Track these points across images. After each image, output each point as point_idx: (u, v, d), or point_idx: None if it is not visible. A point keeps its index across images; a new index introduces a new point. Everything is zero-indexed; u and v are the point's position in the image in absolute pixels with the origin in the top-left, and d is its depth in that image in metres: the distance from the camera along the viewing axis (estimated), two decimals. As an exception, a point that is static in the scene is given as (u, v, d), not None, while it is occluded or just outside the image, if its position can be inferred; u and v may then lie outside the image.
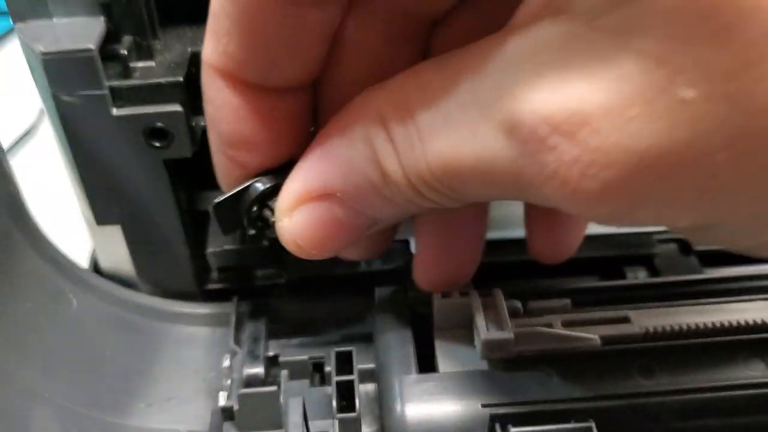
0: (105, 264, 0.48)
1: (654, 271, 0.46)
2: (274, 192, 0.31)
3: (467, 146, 0.24)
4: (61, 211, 0.49)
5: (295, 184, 0.29)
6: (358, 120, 0.27)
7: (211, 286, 0.47)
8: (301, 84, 0.30)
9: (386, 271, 0.46)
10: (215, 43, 0.28)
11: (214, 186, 0.45)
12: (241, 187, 0.32)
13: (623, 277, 0.46)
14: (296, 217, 0.29)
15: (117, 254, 0.47)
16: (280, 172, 0.31)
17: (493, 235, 0.45)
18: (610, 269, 0.46)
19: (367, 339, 0.42)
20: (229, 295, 0.47)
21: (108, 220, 0.44)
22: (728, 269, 0.45)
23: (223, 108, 0.30)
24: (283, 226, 0.30)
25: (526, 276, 0.44)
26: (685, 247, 0.47)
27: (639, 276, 0.46)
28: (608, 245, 0.46)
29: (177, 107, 0.39)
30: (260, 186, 0.32)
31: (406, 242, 0.47)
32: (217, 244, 0.46)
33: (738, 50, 0.19)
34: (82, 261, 0.48)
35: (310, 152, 0.29)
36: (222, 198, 0.33)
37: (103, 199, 0.43)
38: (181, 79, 0.39)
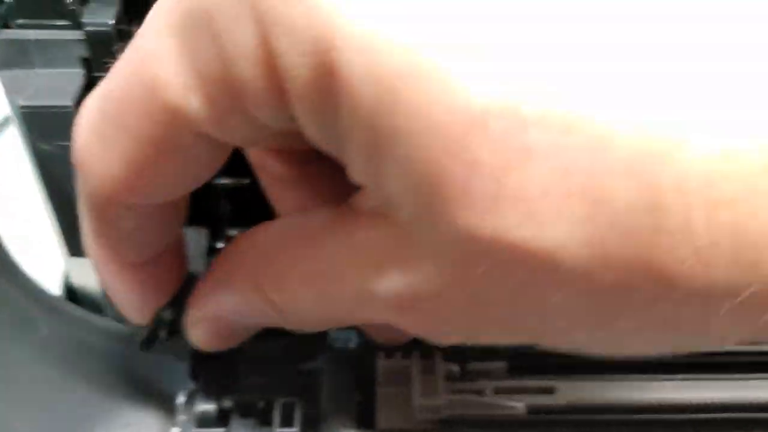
0: (78, 288, 0.51)
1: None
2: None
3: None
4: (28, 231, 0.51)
5: (193, 311, 0.35)
6: (238, 279, 0.32)
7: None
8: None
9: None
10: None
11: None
12: (152, 325, 0.38)
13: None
14: (196, 332, 0.36)
15: (90, 281, 0.49)
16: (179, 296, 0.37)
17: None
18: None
19: (316, 380, 0.45)
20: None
21: (81, 253, 0.46)
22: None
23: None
24: (190, 335, 0.36)
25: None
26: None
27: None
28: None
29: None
30: (167, 315, 0.37)
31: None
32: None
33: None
34: (53, 283, 0.51)
35: (203, 287, 0.35)
36: (144, 341, 0.39)
37: (77, 236, 0.45)
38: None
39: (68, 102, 0.39)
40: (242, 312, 0.33)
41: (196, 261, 0.49)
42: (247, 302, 0.32)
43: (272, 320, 0.32)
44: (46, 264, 0.52)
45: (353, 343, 0.47)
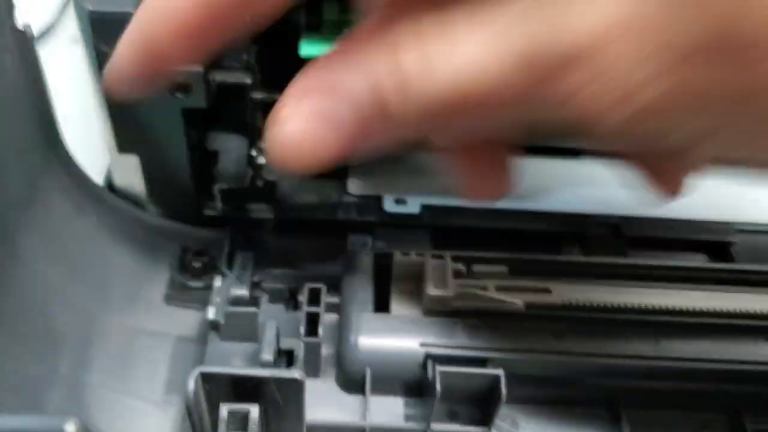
0: (119, 183, 0.56)
1: (587, 250, 0.54)
2: None
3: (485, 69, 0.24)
4: (81, 126, 0.55)
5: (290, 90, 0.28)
6: (368, 43, 0.26)
7: (210, 213, 0.55)
8: None
9: (360, 222, 0.53)
10: None
11: (222, 128, 0.53)
12: None
13: (558, 252, 0.54)
14: (286, 114, 0.27)
15: (131, 178, 0.54)
16: None
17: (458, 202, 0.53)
18: (548, 243, 0.54)
19: (337, 278, 0.50)
20: (225, 224, 0.54)
21: (127, 149, 0.52)
22: (652, 256, 0.53)
23: None
24: (274, 133, 0.28)
25: (479, 243, 0.51)
26: (617, 231, 0.54)
27: (572, 252, 0.54)
28: (550, 222, 0.54)
29: (198, 67, 0.46)
30: None
31: (379, 199, 0.54)
32: (224, 182, 0.53)
33: None
34: (97, 176, 0.55)
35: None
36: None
37: (126, 134, 0.51)
38: (203, 44, 0.46)
39: (130, 9, 0.44)
40: (358, 90, 0.26)
41: (239, 164, 0.55)
42: (371, 72, 0.25)
43: (390, 108, 0.26)
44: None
45: (370, 246, 0.52)
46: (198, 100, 0.48)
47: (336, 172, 0.56)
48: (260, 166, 0.56)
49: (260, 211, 0.55)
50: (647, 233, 0.54)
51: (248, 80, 0.50)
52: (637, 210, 0.53)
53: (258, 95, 0.53)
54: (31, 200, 0.46)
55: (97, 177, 0.55)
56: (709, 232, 0.54)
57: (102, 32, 0.45)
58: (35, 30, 0.44)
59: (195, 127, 0.52)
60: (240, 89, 0.51)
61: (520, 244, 0.52)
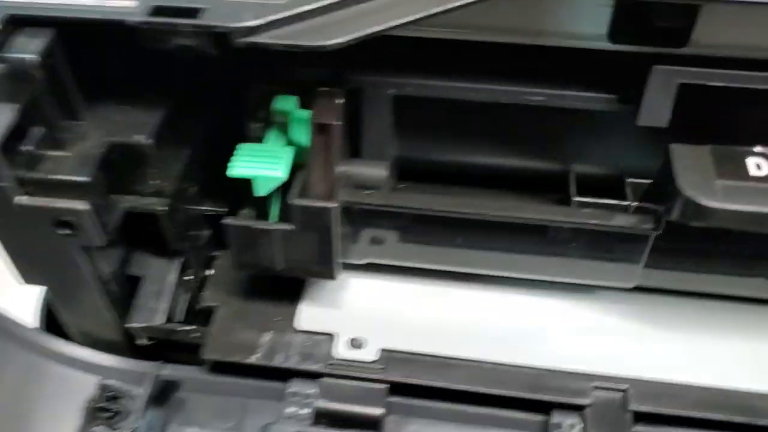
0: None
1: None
2: None
3: None
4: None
5: None
6: None
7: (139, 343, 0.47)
8: None
9: (301, 371, 0.44)
10: None
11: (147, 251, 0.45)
12: None
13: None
14: None
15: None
16: None
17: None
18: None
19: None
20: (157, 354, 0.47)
21: (33, 281, 0.44)
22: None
23: None
24: None
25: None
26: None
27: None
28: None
29: (83, 205, 0.38)
30: None
31: (333, 336, 0.45)
32: (141, 320, 0.45)
33: None
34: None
35: None
36: None
37: (26, 265, 0.43)
38: (87, 179, 0.38)
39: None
40: None
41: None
42: None
43: None
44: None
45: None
46: (91, 237, 0.40)
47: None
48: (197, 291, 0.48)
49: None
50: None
51: (162, 207, 0.42)
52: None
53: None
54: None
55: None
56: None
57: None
58: None
59: (107, 256, 0.43)
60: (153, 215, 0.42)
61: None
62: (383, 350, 0.45)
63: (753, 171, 0.38)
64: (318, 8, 0.35)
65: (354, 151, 0.47)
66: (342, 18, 0.35)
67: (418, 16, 0.36)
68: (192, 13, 0.35)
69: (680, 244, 0.43)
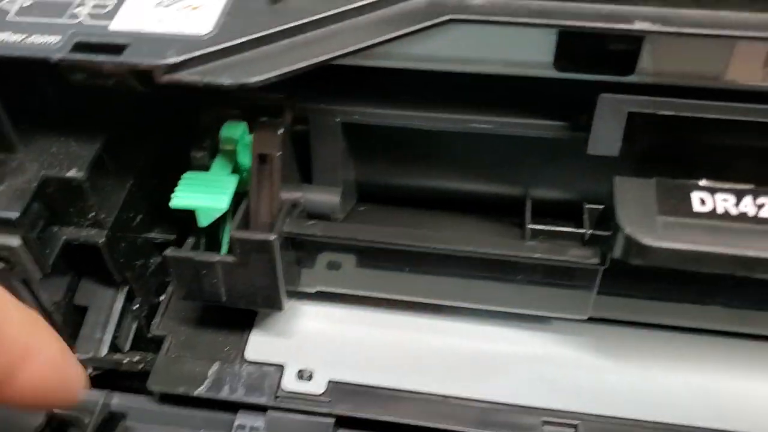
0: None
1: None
2: None
3: None
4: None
5: None
6: None
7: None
8: None
9: (248, 404, 0.43)
10: None
11: (98, 279, 0.45)
12: None
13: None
14: None
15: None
16: None
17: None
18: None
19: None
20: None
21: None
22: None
23: None
24: None
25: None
26: None
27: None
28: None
29: (15, 240, 0.38)
30: None
31: (281, 367, 0.44)
32: (86, 351, 0.45)
33: None
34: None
35: None
36: None
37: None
38: (16, 214, 0.37)
39: None
40: None
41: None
42: None
43: None
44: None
45: None
46: (28, 272, 0.39)
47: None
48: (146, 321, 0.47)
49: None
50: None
51: (101, 238, 0.41)
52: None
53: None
54: None
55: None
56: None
57: None
58: None
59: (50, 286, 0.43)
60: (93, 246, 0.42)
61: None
62: (331, 382, 0.44)
63: (697, 207, 0.37)
64: (241, 44, 0.34)
65: (308, 176, 0.46)
66: (266, 53, 0.35)
67: (345, 50, 0.35)
68: (115, 49, 0.34)
69: (633, 274, 0.42)
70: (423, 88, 0.43)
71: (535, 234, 0.44)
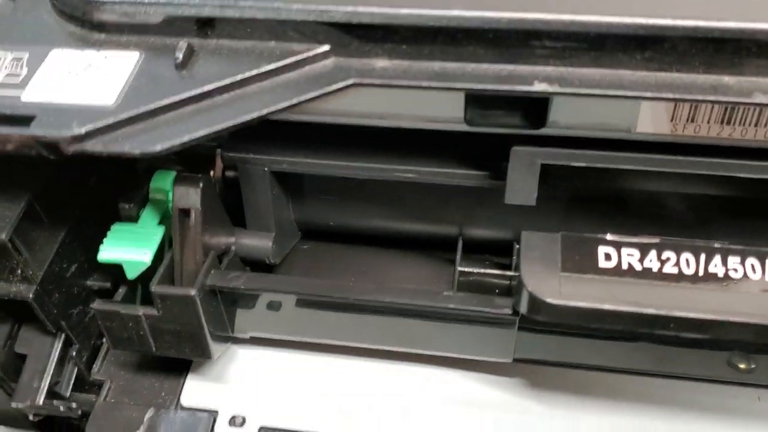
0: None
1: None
2: None
3: None
4: None
5: None
6: None
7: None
8: None
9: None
10: None
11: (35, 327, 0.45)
12: None
13: None
14: None
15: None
16: None
17: None
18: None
19: None
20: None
21: None
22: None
23: None
24: None
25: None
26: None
27: None
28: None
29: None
30: None
31: (215, 413, 0.45)
32: (23, 399, 0.46)
33: None
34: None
35: None
36: None
37: None
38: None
39: None
40: None
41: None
42: None
43: None
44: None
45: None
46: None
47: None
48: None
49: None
50: None
51: (29, 294, 0.42)
52: None
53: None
54: None
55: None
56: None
57: None
58: None
59: None
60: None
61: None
62: (262, 428, 0.45)
63: (602, 262, 0.37)
64: (145, 113, 0.35)
65: (242, 221, 0.47)
66: (170, 120, 0.35)
67: (249, 117, 0.35)
68: (23, 120, 0.35)
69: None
70: (348, 138, 0.43)
71: (464, 276, 0.45)
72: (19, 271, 0.42)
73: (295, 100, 0.36)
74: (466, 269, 0.45)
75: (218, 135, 0.35)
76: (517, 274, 0.43)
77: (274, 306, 0.45)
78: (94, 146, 0.35)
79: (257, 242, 0.47)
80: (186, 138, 0.35)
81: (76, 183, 0.45)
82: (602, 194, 0.42)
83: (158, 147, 0.35)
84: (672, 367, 0.44)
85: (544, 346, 0.45)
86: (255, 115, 0.36)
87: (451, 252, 0.48)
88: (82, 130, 0.34)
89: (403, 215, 0.48)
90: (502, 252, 0.47)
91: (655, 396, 0.45)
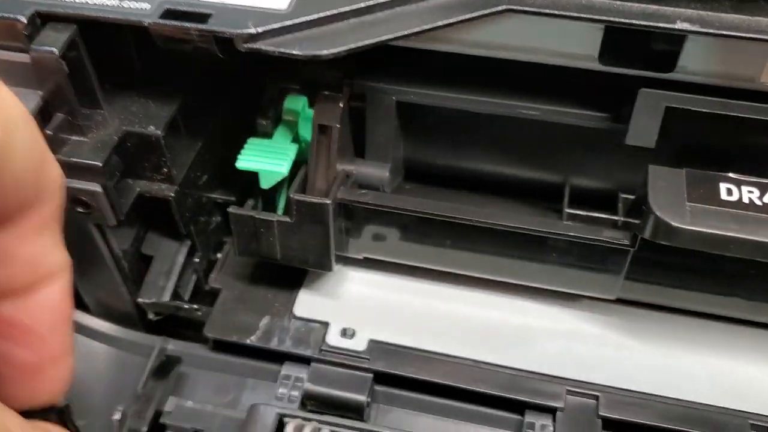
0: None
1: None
2: None
3: None
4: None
5: None
6: None
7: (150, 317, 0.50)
8: None
9: (294, 355, 0.47)
10: None
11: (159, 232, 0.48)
12: None
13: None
14: None
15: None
16: None
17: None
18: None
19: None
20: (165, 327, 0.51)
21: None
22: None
23: None
24: None
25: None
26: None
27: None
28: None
29: (96, 187, 0.41)
30: None
31: (326, 324, 0.48)
32: (149, 296, 0.49)
33: None
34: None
35: None
36: None
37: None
38: (99, 164, 0.41)
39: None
40: None
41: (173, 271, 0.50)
42: None
43: None
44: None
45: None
46: (104, 217, 0.43)
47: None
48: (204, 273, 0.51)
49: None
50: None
51: (171, 193, 0.45)
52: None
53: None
54: None
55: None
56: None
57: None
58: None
59: (121, 235, 0.47)
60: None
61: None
62: (371, 341, 0.47)
63: (724, 196, 0.39)
64: (316, 19, 0.38)
65: (361, 151, 0.50)
66: (339, 29, 0.38)
67: (410, 31, 0.38)
68: (200, 18, 0.38)
69: (660, 260, 0.45)
70: (475, 73, 0.46)
71: (572, 218, 0.47)
72: (164, 170, 0.44)
73: (453, 19, 0.38)
74: (574, 211, 0.47)
75: (379, 44, 0.38)
76: (622, 218, 0.46)
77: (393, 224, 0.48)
78: (265, 46, 0.37)
79: (375, 171, 0.49)
80: (349, 46, 0.38)
81: (213, 99, 0.48)
82: (715, 143, 0.44)
83: (324, 52, 0.38)
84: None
85: (645, 287, 0.47)
86: (411, 31, 0.38)
87: (554, 201, 0.50)
88: (258, 30, 0.37)
89: (510, 159, 0.50)
90: (604, 206, 0.49)
91: (748, 344, 0.47)
